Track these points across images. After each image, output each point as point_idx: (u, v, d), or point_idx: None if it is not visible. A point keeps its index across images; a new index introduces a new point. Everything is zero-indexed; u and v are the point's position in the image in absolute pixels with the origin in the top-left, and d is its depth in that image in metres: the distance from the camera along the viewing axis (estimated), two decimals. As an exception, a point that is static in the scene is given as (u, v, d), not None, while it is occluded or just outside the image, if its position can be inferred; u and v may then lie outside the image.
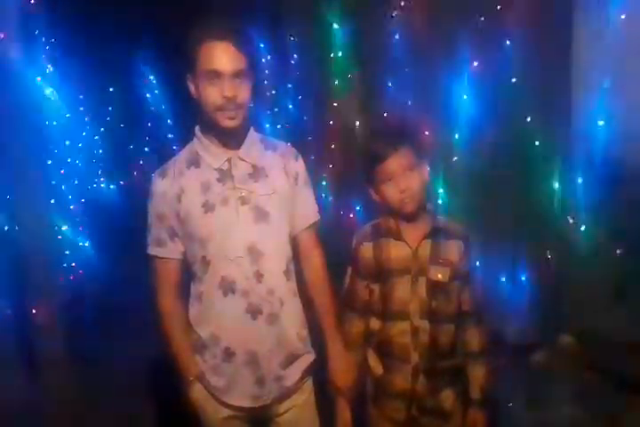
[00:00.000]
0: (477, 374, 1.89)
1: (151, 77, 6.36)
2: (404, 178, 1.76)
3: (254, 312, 1.70)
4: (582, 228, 3.19)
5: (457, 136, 3.44)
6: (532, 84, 3.16)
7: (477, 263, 2.46)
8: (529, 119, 3.22)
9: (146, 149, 7.00)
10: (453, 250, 1.85)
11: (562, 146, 3.25)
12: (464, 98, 3.37)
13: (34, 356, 3.36)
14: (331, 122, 4.52)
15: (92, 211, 5.07)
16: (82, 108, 6.07)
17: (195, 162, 1.73)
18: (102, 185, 6.69)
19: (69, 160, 5.11)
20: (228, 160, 1.72)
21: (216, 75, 1.60)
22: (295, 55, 4.74)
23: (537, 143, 3.22)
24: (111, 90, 6.82)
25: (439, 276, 1.82)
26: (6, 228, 3.35)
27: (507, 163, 3.28)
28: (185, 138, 1.83)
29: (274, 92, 4.97)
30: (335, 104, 4.45)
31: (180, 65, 1.68)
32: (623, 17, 2.92)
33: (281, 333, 1.75)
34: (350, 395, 1.91)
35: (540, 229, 3.29)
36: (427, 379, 1.85)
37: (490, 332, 1.96)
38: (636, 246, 3.07)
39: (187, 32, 1.64)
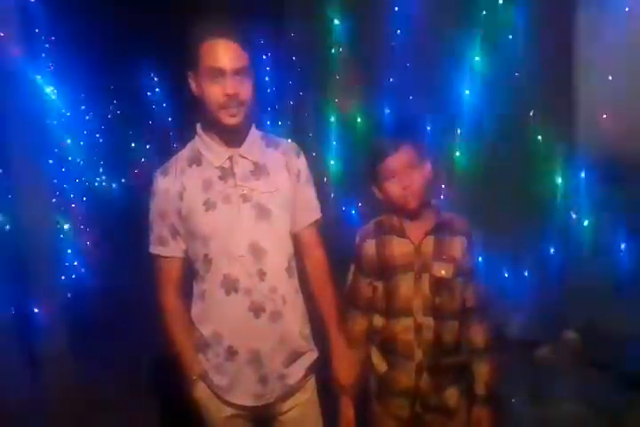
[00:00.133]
0: (482, 370, 1.88)
1: (152, 75, 6.36)
2: (406, 175, 1.76)
3: (257, 310, 1.69)
4: (585, 223, 3.19)
5: (459, 132, 3.43)
6: (535, 78, 3.15)
7: (480, 259, 2.45)
8: (531, 114, 3.21)
9: (147, 147, 7.00)
10: (456, 246, 1.84)
11: (564, 141, 3.24)
12: (466, 94, 3.37)
13: (35, 355, 3.36)
14: (332, 119, 4.51)
15: (94, 209, 5.07)
16: (83, 107, 6.07)
17: (196, 160, 1.72)
18: (104, 183, 6.68)
19: (70, 159, 5.10)
20: (230, 158, 1.71)
21: (218, 72, 1.59)
22: (296, 51, 4.73)
23: (539, 138, 3.21)
24: (112, 88, 6.82)
25: (442, 272, 1.82)
26: (7, 227, 3.34)
27: (509, 158, 3.27)
28: (186, 136, 1.83)
29: (274, 88, 4.96)
30: (336, 101, 4.44)
31: (181, 63, 1.68)
32: (625, 14, 2.91)
33: (284, 331, 1.74)
34: (354, 392, 1.90)
35: (543, 224, 3.28)
36: (430, 376, 1.85)
37: (493, 328, 1.95)
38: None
39: (188, 30, 1.63)
